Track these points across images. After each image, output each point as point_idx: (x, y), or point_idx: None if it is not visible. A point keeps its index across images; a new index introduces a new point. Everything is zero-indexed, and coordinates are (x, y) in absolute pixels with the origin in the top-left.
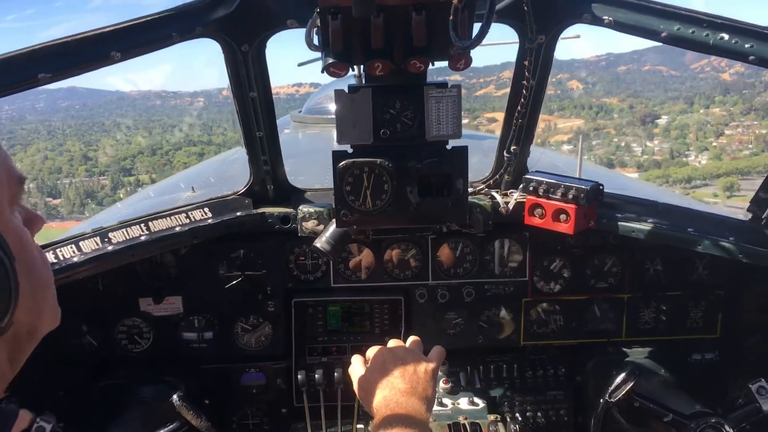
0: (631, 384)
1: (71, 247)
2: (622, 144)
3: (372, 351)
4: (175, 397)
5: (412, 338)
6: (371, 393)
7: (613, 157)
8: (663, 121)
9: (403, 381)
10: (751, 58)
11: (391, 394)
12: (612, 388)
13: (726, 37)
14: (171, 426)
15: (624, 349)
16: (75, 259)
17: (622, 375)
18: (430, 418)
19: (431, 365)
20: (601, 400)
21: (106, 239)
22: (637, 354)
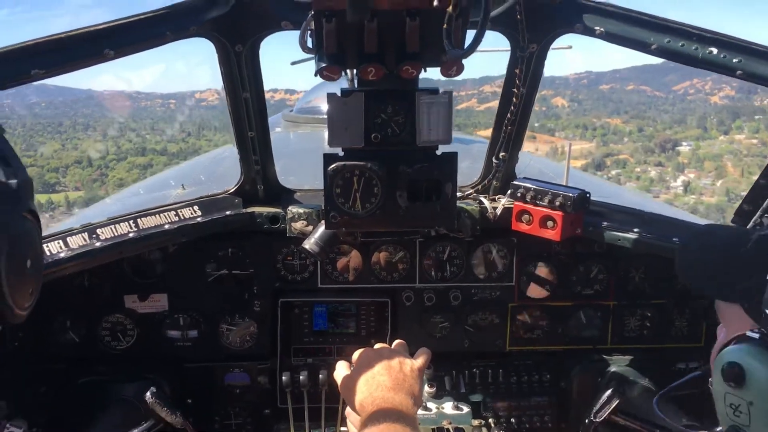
0: (616, 403)
1: (58, 243)
2: (651, 175)
3: (357, 353)
4: (148, 393)
5: (397, 341)
6: (356, 391)
7: (648, 194)
8: (685, 148)
9: (389, 378)
10: (739, 72)
11: (378, 390)
12: (597, 407)
13: (715, 51)
14: (146, 424)
15: (609, 357)
16: (62, 255)
17: (607, 394)
18: (417, 415)
19: (417, 364)
20: (587, 420)
21: (94, 235)
22: (622, 362)
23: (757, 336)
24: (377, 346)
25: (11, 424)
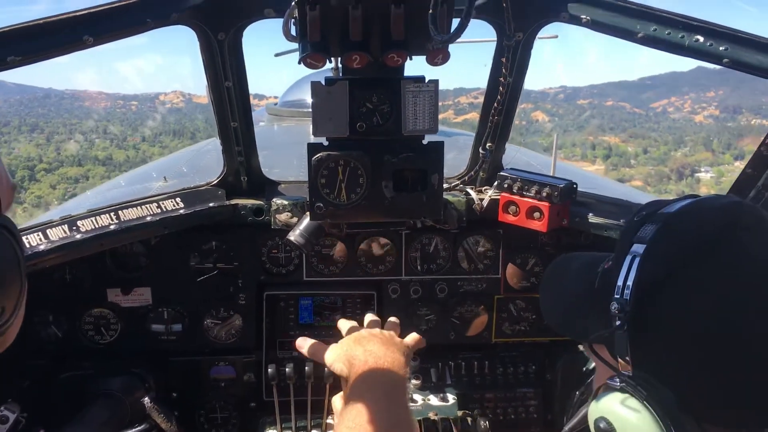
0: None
1: (38, 235)
2: None
3: (343, 322)
4: (146, 398)
5: (391, 319)
6: (345, 346)
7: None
8: (705, 175)
9: (380, 340)
10: (725, 60)
11: (370, 344)
12: (582, 389)
13: (701, 39)
14: (140, 427)
15: None
16: (42, 247)
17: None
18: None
19: (406, 340)
20: (576, 393)
21: (75, 227)
22: None
23: (617, 385)
24: (368, 317)
25: (5, 407)
